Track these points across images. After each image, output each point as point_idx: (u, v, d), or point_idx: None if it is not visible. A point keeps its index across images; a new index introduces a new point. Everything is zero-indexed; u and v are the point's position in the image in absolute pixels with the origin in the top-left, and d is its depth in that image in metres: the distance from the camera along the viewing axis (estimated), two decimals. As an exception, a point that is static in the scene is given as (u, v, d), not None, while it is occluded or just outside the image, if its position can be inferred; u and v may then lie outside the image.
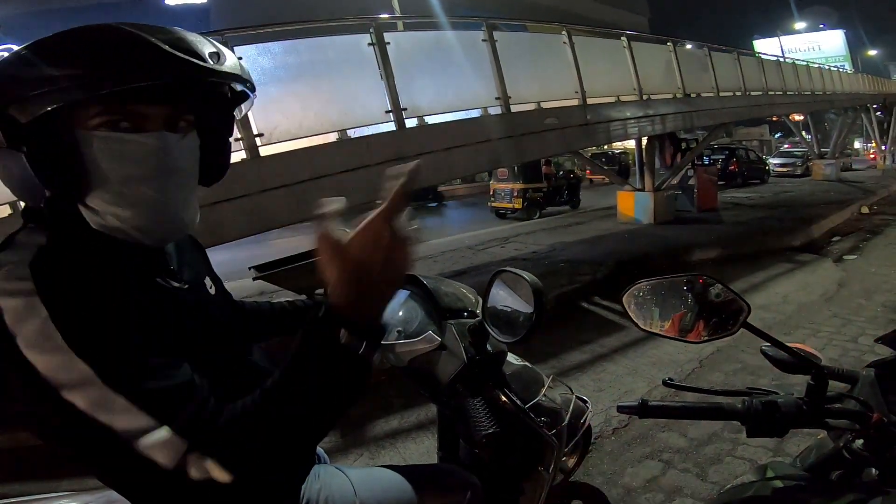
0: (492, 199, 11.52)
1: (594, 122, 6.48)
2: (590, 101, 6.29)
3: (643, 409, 0.74)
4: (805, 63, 15.12)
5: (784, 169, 19.46)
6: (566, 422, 1.16)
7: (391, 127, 4.28)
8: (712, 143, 13.36)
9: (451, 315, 1.10)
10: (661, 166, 9.25)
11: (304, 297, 1.21)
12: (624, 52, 7.21)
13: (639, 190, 9.09)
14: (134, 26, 0.62)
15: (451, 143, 4.68)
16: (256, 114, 3.47)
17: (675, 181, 9.53)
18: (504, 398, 1.05)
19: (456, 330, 1.07)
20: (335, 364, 0.56)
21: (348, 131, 4.16)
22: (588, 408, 1.32)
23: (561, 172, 12.53)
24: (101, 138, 0.61)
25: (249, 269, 3.93)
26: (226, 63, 0.66)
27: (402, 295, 1.18)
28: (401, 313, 1.15)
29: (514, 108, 5.28)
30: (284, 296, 4.43)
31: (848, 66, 32.83)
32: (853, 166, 21.48)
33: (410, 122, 4.42)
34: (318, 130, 3.93)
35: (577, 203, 12.36)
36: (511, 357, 1.20)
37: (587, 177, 16.63)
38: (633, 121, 7.31)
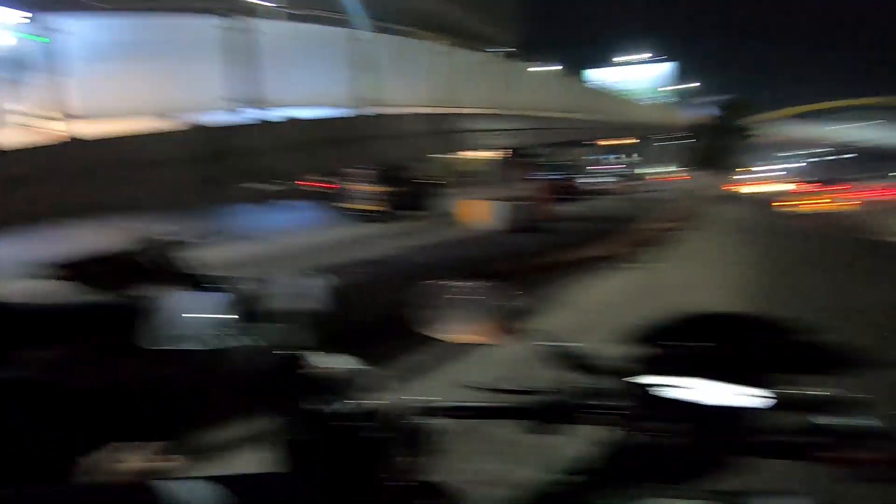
0: (346, 200, 11.24)
1: (454, 131, 6.75)
2: (453, 110, 6.53)
3: (431, 411, 0.75)
4: (631, 93, 17.85)
5: (608, 187, 22.52)
6: (396, 421, 1.14)
7: (234, 117, 3.95)
8: (557, 159, 14.95)
9: (257, 319, 1.04)
10: (510, 178, 9.99)
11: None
12: (489, 67, 7.65)
13: (488, 199, 9.73)
14: None
15: (298, 140, 4.46)
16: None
17: (520, 192, 10.39)
18: (315, 403, 1.01)
19: (261, 334, 1.01)
20: None
21: (182, 118, 3.73)
22: (418, 406, 1.32)
23: (419, 177, 12.77)
24: None
25: (41, 266, 3.27)
26: None
27: (203, 297, 1.09)
28: (201, 317, 1.06)
29: (373, 111, 5.25)
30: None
31: (664, 97, 39.34)
32: (656, 187, 25.76)
33: (254, 114, 4.12)
34: (145, 112, 3.47)
35: (435, 208, 12.69)
36: (331, 358, 1.16)
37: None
38: (490, 132, 7.78)
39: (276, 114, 4.43)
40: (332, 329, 0.94)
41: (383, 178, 10.84)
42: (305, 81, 4.68)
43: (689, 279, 6.88)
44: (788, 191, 30.32)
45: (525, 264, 6.92)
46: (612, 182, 22.83)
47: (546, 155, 12.14)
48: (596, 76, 34.81)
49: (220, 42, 3.82)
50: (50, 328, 0.98)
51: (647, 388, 0.75)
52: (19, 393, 0.71)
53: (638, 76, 46.89)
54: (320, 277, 0.98)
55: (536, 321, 0.78)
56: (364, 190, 10.79)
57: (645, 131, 21.54)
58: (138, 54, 3.45)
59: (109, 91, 3.15)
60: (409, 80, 6.15)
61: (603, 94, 14.84)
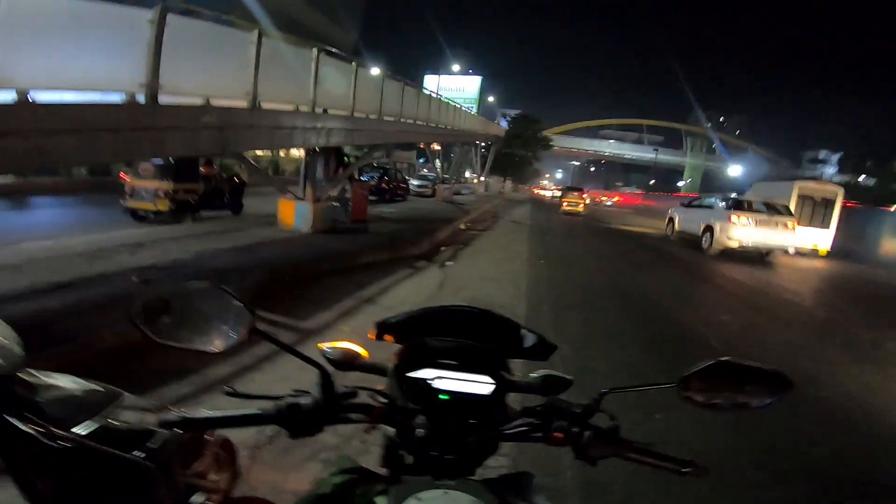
0: (128, 197, 9.48)
1: (260, 127, 6.36)
2: (263, 105, 6.16)
3: (185, 424, 0.75)
4: (449, 101, 19.01)
5: (420, 189, 23.87)
6: (159, 441, 1.03)
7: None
8: (372, 161, 15.20)
9: None
10: (322, 178, 9.83)
11: None
12: (310, 64, 7.35)
13: (300, 199, 9.45)
14: None
15: (62, 126, 3.76)
16: None
17: (334, 193, 10.32)
18: (34, 425, 0.86)
19: None
20: None
21: None
22: (180, 423, 1.18)
23: (223, 174, 11.69)
24: None
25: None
26: None
27: None
28: None
29: (169, 100, 4.71)
30: None
31: (475, 108, 42.84)
32: (462, 191, 28.20)
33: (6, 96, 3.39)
34: None
35: (240, 208, 11.73)
36: (69, 379, 1.04)
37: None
38: (300, 130, 7.51)
39: (38, 95, 3.70)
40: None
41: (181, 174, 9.60)
42: (79, 60, 3.99)
43: (480, 273, 7.80)
44: (557, 195, 36.91)
45: (334, 265, 7.00)
46: (426, 185, 24.24)
47: (366, 156, 12.31)
48: (427, 84, 36.47)
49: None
50: None
51: (400, 383, 0.82)
52: None
53: (463, 86, 50.61)
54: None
55: (250, 325, 0.75)
56: (155, 186, 9.35)
57: (469, 138, 23.22)
58: None
59: None
60: (219, 69, 5.68)
61: (433, 101, 15.65)
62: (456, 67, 55.74)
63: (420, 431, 0.73)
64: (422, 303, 5.82)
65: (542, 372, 0.91)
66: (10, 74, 3.41)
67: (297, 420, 0.76)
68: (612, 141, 79.15)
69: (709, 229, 13.53)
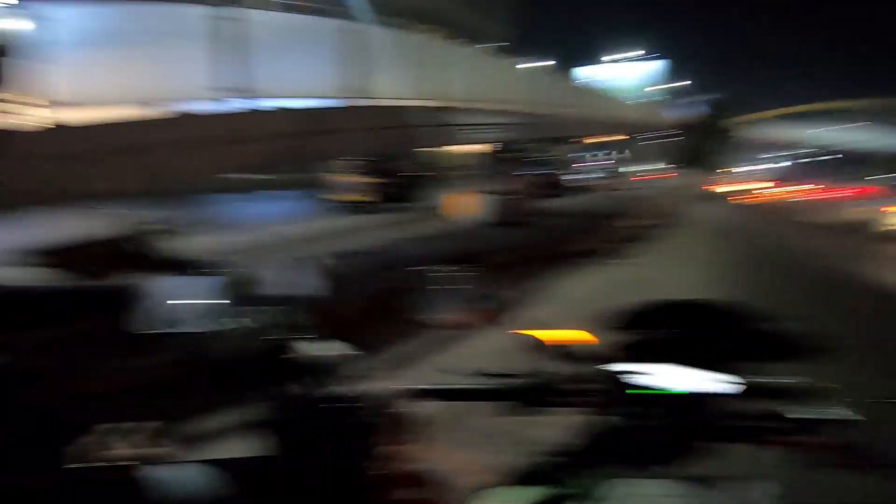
0: (334, 191, 11.22)
1: (443, 125, 6.75)
2: (442, 104, 6.53)
3: (419, 394, 0.78)
4: (620, 91, 17.97)
5: (586, 183, 22.73)
6: (380, 408, 1.15)
7: (217, 106, 3.95)
8: (541, 154, 15.06)
9: (246, 303, 1.04)
10: (496, 172, 10.03)
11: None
12: (481, 62, 7.65)
13: (476, 192, 9.77)
14: None
15: (285, 130, 4.49)
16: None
17: (506, 187, 10.45)
18: (300, 388, 1.03)
19: (250, 317, 1.01)
20: None
21: (171, 107, 3.73)
22: (401, 394, 1.36)
23: (407, 170, 12.76)
24: None
25: (25, 252, 3.26)
26: None
27: (191, 281, 1.10)
28: (188, 301, 1.07)
29: (359, 103, 5.26)
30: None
31: (659, 96, 39.35)
32: (641, 184, 26.04)
33: (241, 104, 4.12)
34: (131, 100, 3.54)
35: (422, 201, 12.68)
36: (318, 344, 1.18)
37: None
38: (480, 127, 7.80)
39: (266, 103, 4.43)
40: (322, 315, 0.97)
41: (370, 170, 10.82)
42: (295, 72, 4.68)
43: (666, 274, 7.06)
44: (766, 189, 31.25)
45: (508, 257, 7.03)
46: (597, 179, 23.03)
47: (532, 150, 12.21)
48: (586, 73, 34.77)
49: (208, 31, 3.81)
50: (36, 312, 1.00)
51: (620, 375, 0.78)
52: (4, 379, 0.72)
53: (627, 74, 46.79)
54: (312, 264, 1.01)
55: (518, 311, 0.84)
56: (351, 181, 10.75)
57: (632, 129, 21.73)
58: (125, 43, 3.43)
59: (95, 79, 3.12)
60: (400, 72, 6.15)
61: (592, 92, 14.99)
62: (631, 53, 51.61)
63: (644, 425, 0.72)
64: (600, 299, 5.51)
65: (794, 377, 0.77)
66: (247, 87, 4.14)
67: (525, 400, 0.77)
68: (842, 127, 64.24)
69: None
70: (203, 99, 3.90)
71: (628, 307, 0.85)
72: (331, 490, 1.11)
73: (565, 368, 0.80)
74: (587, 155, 35.89)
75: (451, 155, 24.99)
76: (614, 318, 0.85)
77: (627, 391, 0.75)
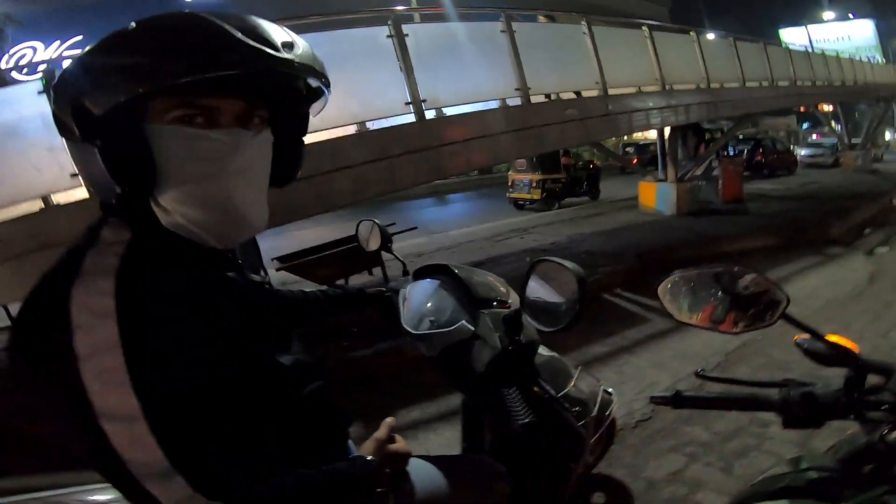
0: (510, 190, 11.42)
1: (615, 113, 6.37)
2: (611, 91, 6.19)
3: (677, 400, 0.74)
4: (835, 53, 14.67)
5: (813, 160, 18.85)
6: (594, 413, 1.15)
7: (411, 119, 4.28)
8: (738, 133, 13.09)
9: (483, 304, 1.09)
10: (683, 157, 9.07)
11: (326, 287, 1.23)
12: (645, 43, 7.07)
13: (661, 181, 8.94)
14: (208, 13, 0.59)
15: (470, 135, 4.66)
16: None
17: (698, 172, 9.33)
18: (538, 388, 1.04)
19: (490, 319, 1.06)
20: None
21: (368, 123, 4.16)
22: (613, 399, 1.32)
23: (580, 163, 12.36)
24: (172, 132, 0.60)
25: (272, 259, 3.99)
26: (299, 53, 0.63)
27: (432, 285, 1.17)
28: (431, 303, 1.14)
29: (533, 100, 5.23)
30: (306, 287, 4.45)
31: (879, 57, 31.59)
32: (884, 157, 20.74)
33: (430, 114, 4.41)
34: (338, 123, 3.93)
35: (597, 194, 12.18)
36: (541, 348, 1.19)
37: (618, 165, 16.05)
38: (655, 111, 7.19)
39: (451, 111, 4.69)
40: (576, 315, 0.97)
41: (543, 166, 10.78)
42: (467, 77, 4.85)
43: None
44: None
45: (712, 251, 6.21)
46: (823, 153, 19.07)
47: (732, 129, 10.65)
48: (787, 38, 29.16)
49: (391, 50, 4.17)
50: (311, 314, 1.13)
51: None
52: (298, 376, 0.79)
53: (848, 34, 38.18)
54: (566, 266, 1.01)
55: (781, 310, 0.72)
56: (529, 178, 10.87)
57: (879, 92, 17.24)
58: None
59: None
60: (563, 64, 5.97)
61: (805, 56, 12.39)
62: (828, 15, 41.42)
63: None
64: (842, 299, 4.51)
65: None
66: (432, 97, 4.40)
67: (807, 411, 0.71)
68: None
69: None
70: (397, 114, 4.27)
71: None
72: (541, 489, 1.12)
73: (852, 379, 0.71)
74: (808, 127, 29.86)
75: (633, 143, 23.33)
76: None
77: None
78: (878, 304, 4.31)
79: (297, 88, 0.70)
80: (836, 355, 0.73)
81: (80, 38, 12.34)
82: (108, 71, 0.56)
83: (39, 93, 3.02)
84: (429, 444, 2.64)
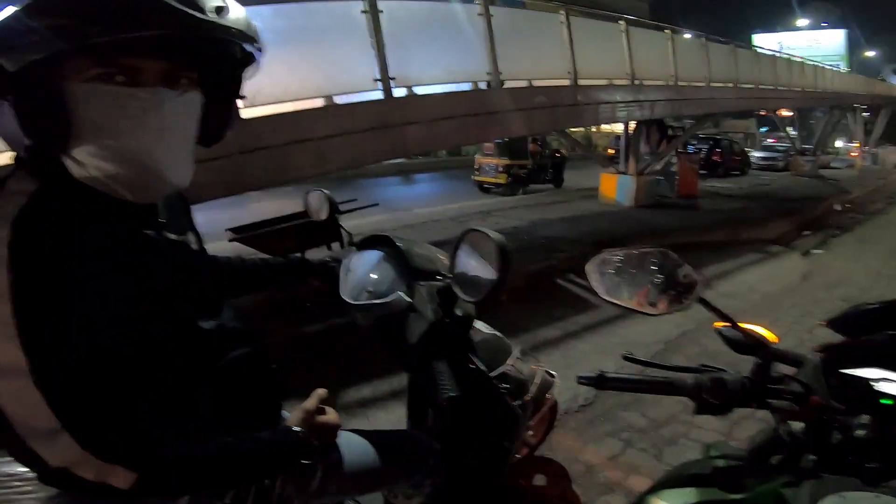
0: (476, 172, 11.46)
1: (584, 103, 6.45)
2: (581, 82, 6.25)
3: (600, 381, 0.75)
4: (800, 60, 15.19)
5: (765, 162, 19.66)
6: (531, 394, 1.17)
7: (379, 95, 4.20)
8: (698, 132, 13.50)
9: (422, 277, 1.09)
10: (645, 151, 9.31)
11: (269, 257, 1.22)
12: (620, 37, 7.15)
13: (622, 173, 9.15)
14: None
15: (438, 115, 4.61)
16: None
17: (658, 167, 9.61)
18: (469, 363, 1.05)
19: (425, 292, 1.06)
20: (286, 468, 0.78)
21: (334, 98, 4.06)
22: (555, 382, 1.33)
23: (547, 151, 12.51)
24: (91, 91, 0.59)
25: (226, 230, 3.87)
26: (229, 17, 0.62)
27: (374, 256, 1.16)
28: (372, 275, 1.13)
29: (504, 85, 5.22)
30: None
31: (843, 66, 32.94)
32: (832, 164, 21.90)
33: (399, 92, 4.34)
34: (302, 95, 3.82)
35: (561, 182, 12.39)
36: (481, 325, 1.19)
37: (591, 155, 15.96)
38: (622, 105, 7.31)
39: (421, 90, 4.62)
40: (495, 286, 0.96)
41: (510, 151, 10.87)
42: (440, 58, 4.79)
43: (865, 268, 5.86)
44: None
45: (664, 243, 6.45)
46: (775, 157, 19.95)
47: (692, 127, 11.00)
48: (758, 43, 30.06)
49: (363, 25, 4.06)
50: (250, 282, 1.12)
51: (843, 377, 0.72)
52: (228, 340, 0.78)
53: (818, 41, 39.65)
54: (490, 236, 0.99)
55: (696, 293, 0.75)
56: (495, 163, 10.93)
57: (839, 100, 18.00)
58: (289, 41, 3.72)
59: (267, 78, 3.42)
60: (537, 52, 5.97)
61: (777, 61, 12.81)
62: (802, 22, 43.11)
63: (860, 433, 0.67)
64: (775, 294, 4.80)
65: None
66: (402, 75, 4.33)
67: (715, 396, 0.73)
68: None
69: None
70: (365, 90, 4.18)
71: (858, 308, 0.79)
72: (475, 467, 1.16)
73: (760, 367, 0.74)
74: (765, 130, 31.02)
75: (595, 134, 23.56)
76: (843, 318, 0.80)
77: (882, 400, 0.69)
78: (808, 300, 4.61)
79: (231, 52, 0.70)
80: (749, 343, 0.77)
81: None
82: (24, 30, 0.55)
83: None
84: (378, 421, 2.66)
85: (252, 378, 0.80)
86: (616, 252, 0.82)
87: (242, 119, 3.49)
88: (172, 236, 0.74)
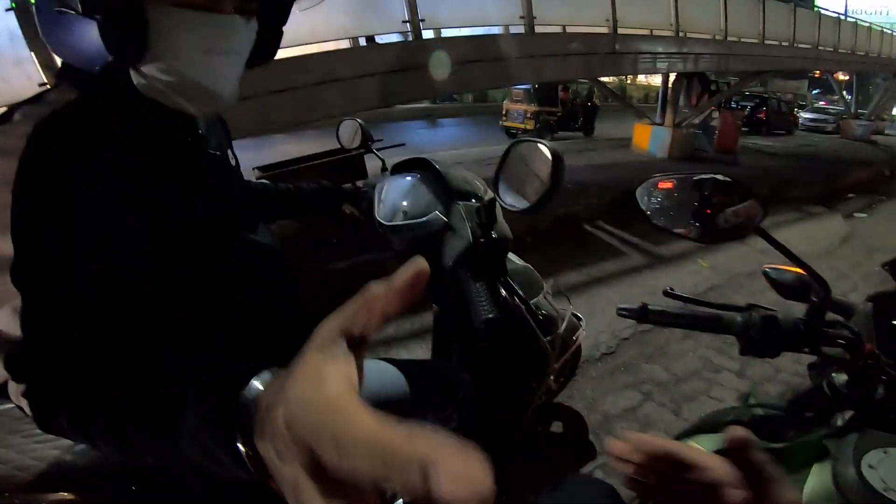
0: (504, 118, 11.21)
1: (621, 52, 6.15)
2: (621, 30, 5.92)
3: (642, 314, 0.73)
4: (868, 24, 14.09)
5: (814, 124, 18.55)
6: (560, 331, 1.15)
7: (408, 38, 4.07)
8: (744, 89, 12.77)
9: (459, 197, 1.06)
10: (684, 104, 8.88)
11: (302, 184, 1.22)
12: None
13: (657, 124, 8.80)
14: None
15: (467, 58, 4.46)
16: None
17: (696, 120, 9.20)
18: (505, 289, 1.03)
19: (463, 211, 1.03)
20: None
21: (360, 40, 3.95)
22: (582, 325, 1.31)
23: (578, 99, 12.07)
24: (175, 14, 0.62)
25: (253, 169, 3.90)
26: None
27: (410, 179, 1.13)
28: (408, 197, 1.11)
29: (539, 30, 4.99)
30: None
31: None
32: (886, 131, 20.58)
33: (427, 34, 4.19)
34: (329, 37, 3.72)
35: (592, 131, 12.05)
36: (513, 257, 1.17)
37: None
38: (663, 56, 6.95)
39: (448, 34, 4.47)
40: (548, 194, 0.94)
41: (539, 98, 10.56)
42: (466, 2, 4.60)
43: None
44: None
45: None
46: (826, 120, 18.84)
47: (739, 84, 10.41)
48: (830, 3, 27.41)
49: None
50: (284, 207, 1.14)
51: (886, 327, 0.69)
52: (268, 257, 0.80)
53: (886, 7, 36.04)
54: (540, 145, 0.97)
55: (756, 222, 0.70)
56: (524, 109, 10.65)
57: (890, 67, 16.68)
58: None
59: (294, 19, 3.34)
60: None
61: (834, 23, 11.85)
62: None
63: None
64: (812, 255, 4.63)
65: None
66: (431, 17, 4.16)
67: (766, 337, 0.70)
68: None
69: None
70: (393, 31, 4.05)
71: None
72: (502, 406, 1.15)
73: (814, 310, 0.71)
74: (817, 93, 29.05)
75: (630, 85, 22.48)
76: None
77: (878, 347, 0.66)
78: (846, 264, 4.44)
79: None
80: (801, 287, 0.74)
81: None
82: None
83: (7, 10, 2.87)
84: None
85: (278, 298, 0.79)
86: (668, 176, 0.77)
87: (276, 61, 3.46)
88: (212, 151, 0.76)
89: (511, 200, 1.01)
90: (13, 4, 2.93)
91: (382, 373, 0.98)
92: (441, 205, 1.06)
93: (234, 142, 0.90)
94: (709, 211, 0.72)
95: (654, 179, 0.79)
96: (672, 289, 0.80)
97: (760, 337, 0.70)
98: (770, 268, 0.77)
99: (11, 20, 2.89)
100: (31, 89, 2.92)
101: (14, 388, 0.53)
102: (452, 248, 1.01)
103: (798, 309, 0.74)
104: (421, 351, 2.72)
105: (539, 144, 0.97)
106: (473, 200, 1.06)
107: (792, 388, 0.80)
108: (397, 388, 0.97)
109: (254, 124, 3.37)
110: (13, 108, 0.61)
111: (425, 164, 1.13)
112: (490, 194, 1.08)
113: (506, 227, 1.06)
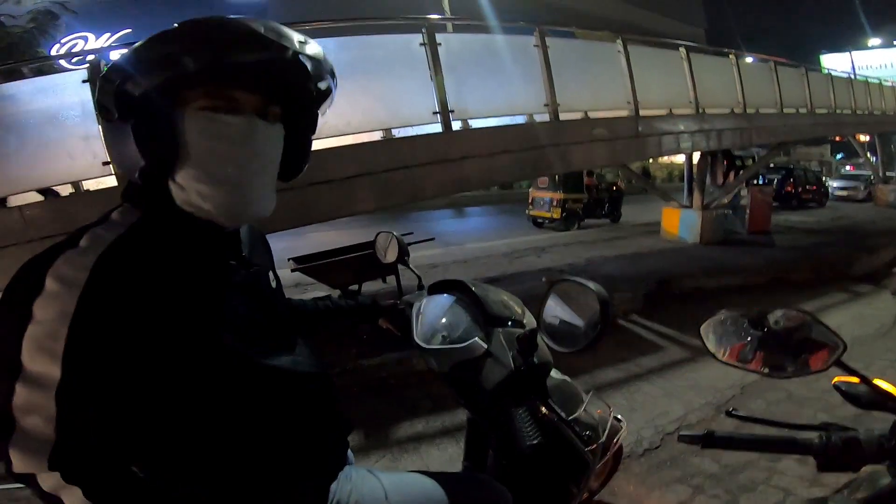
0: (530, 207, 11.34)
1: (645, 135, 6.27)
2: (642, 112, 6.10)
3: (708, 440, 0.71)
4: (878, 81, 14.26)
5: (845, 192, 18.21)
6: (602, 440, 1.12)
7: (437, 128, 4.28)
8: (770, 161, 12.78)
9: (497, 322, 1.08)
10: (711, 184, 8.87)
11: (338, 293, 1.24)
12: (680, 64, 6.98)
13: (686, 207, 8.73)
14: (241, 18, 0.68)
15: (495, 149, 4.64)
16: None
17: (725, 200, 9.10)
18: (547, 410, 1.02)
19: (503, 338, 1.04)
20: None
21: (393, 131, 4.18)
22: (622, 427, 1.28)
23: (603, 184, 12.23)
24: (198, 116, 0.68)
25: (288, 260, 4.02)
26: (311, 50, 0.71)
27: (447, 300, 1.16)
28: (445, 319, 1.12)
29: (561, 117, 5.19)
30: (319, 289, 4.49)
31: None
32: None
33: (456, 125, 4.41)
34: (364, 128, 3.94)
35: (619, 217, 12.02)
36: (552, 371, 1.17)
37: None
38: (686, 135, 7.04)
39: (477, 123, 4.68)
40: (597, 336, 0.95)
41: (565, 185, 10.71)
42: (497, 91, 4.84)
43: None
44: None
45: (736, 283, 6.05)
46: (855, 187, 18.49)
47: (764, 157, 10.44)
48: (834, 64, 28.30)
49: (422, 58, 4.18)
50: (321, 324, 1.15)
51: None
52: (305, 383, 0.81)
53: (892, 61, 36.92)
54: (589, 287, 1.00)
55: (836, 356, 0.69)
56: (550, 196, 10.78)
57: None
58: (351, 74, 3.81)
59: (331, 110, 3.53)
60: (595, 83, 5.92)
61: (846, 84, 12.06)
62: (874, 41, 40.24)
63: None
64: (867, 337, 4.35)
65: None
66: (461, 108, 4.41)
67: (849, 456, 0.69)
68: None
69: None
70: (424, 123, 4.27)
71: None
72: None
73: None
74: (840, 157, 28.93)
75: (652, 165, 22.77)
76: None
77: None
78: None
79: (308, 90, 0.77)
80: (881, 400, 0.71)
81: (128, 31, 12.85)
82: (149, 59, 0.65)
83: (84, 81, 3.11)
84: (430, 458, 2.58)
85: (325, 416, 0.82)
86: (734, 312, 0.78)
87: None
88: (245, 270, 0.79)
89: (558, 341, 1.04)
90: (89, 77, 3.07)
91: (418, 488, 0.93)
92: (480, 330, 1.07)
93: (272, 233, 0.94)
94: (780, 345, 0.72)
95: (718, 316, 0.79)
96: (735, 410, 0.78)
97: (842, 457, 0.69)
98: (841, 381, 0.74)
99: (85, 93, 3.05)
100: (95, 169, 3.11)
101: (52, 481, 0.58)
102: (494, 374, 1.01)
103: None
104: (452, 450, 2.59)
105: (586, 284, 1.01)
106: (511, 324, 1.08)
107: (866, 484, 0.72)
108: (435, 502, 0.94)
109: (292, 218, 3.49)
110: (82, 231, 0.66)
111: (462, 285, 1.17)
112: (529, 317, 1.10)
113: (546, 351, 1.06)
